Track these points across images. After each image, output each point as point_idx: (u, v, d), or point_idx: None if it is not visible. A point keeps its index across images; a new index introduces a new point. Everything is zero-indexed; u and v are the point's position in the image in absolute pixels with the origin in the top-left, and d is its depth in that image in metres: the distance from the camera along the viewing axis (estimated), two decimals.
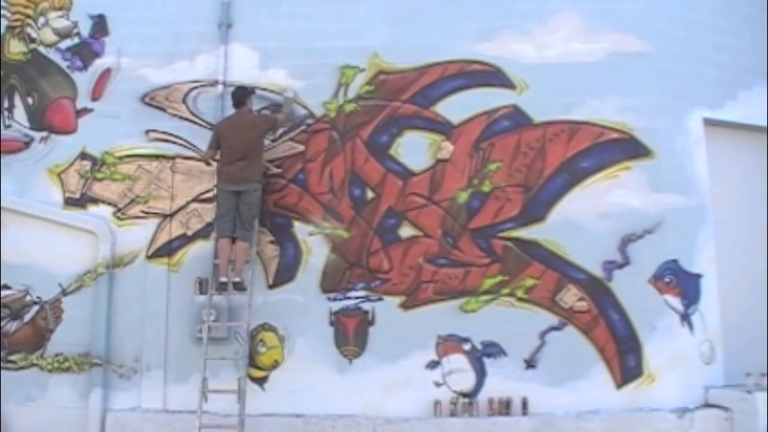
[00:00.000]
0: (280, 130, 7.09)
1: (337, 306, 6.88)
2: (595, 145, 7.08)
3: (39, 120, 7.30)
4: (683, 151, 7.22)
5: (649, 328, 6.85)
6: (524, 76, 7.12)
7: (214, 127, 6.90)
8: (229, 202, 6.64)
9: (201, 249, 6.94)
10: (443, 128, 7.09)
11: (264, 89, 7.15)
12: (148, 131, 7.19)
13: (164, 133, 7.18)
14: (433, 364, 6.79)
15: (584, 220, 6.95)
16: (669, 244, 7.01)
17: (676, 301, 6.97)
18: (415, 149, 7.07)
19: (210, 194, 7.02)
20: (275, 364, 6.81)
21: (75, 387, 6.78)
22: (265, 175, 6.91)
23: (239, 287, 6.61)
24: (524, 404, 6.68)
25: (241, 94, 6.83)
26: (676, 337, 6.91)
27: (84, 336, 6.81)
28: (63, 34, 7.41)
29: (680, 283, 6.99)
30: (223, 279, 6.60)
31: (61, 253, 6.93)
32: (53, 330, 6.89)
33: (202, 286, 6.88)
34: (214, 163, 6.97)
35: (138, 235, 6.97)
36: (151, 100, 7.23)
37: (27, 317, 6.94)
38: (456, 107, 7.10)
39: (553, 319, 6.84)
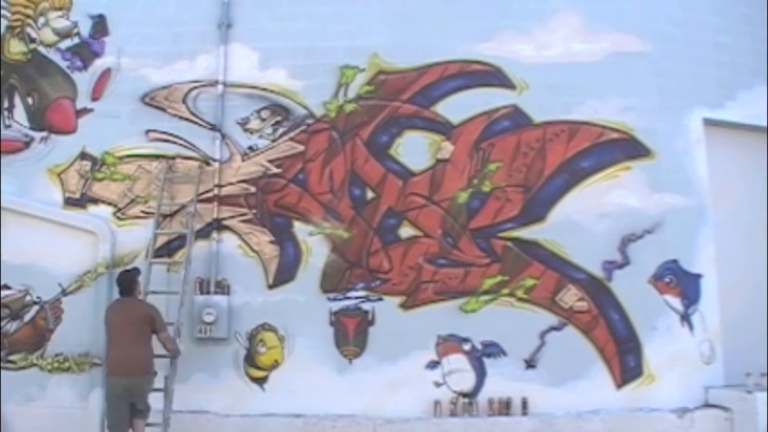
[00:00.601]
0: (281, 129, 7.09)
1: (337, 306, 6.88)
2: (595, 145, 7.09)
3: (39, 120, 7.30)
4: (683, 151, 7.23)
5: (649, 328, 6.86)
6: (524, 76, 7.12)
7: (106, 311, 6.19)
8: (121, 402, 5.84)
9: (201, 249, 6.94)
10: (443, 128, 7.09)
11: (264, 89, 7.16)
12: (148, 131, 7.19)
13: (164, 133, 7.18)
14: (433, 364, 6.79)
15: (584, 220, 6.95)
16: (669, 244, 7.02)
17: (676, 301, 6.97)
18: (415, 149, 7.07)
19: (210, 194, 7.01)
20: (275, 364, 6.81)
21: (75, 387, 6.78)
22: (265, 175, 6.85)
23: None
24: (524, 404, 6.68)
25: (129, 280, 6.13)
26: (676, 337, 6.91)
27: (84, 336, 6.80)
28: (63, 34, 7.41)
29: (680, 283, 6.99)
30: None
31: (61, 253, 6.92)
32: (53, 330, 6.89)
33: (202, 286, 6.88)
34: (215, 163, 6.98)
35: (138, 235, 6.97)
36: (151, 100, 7.23)
37: (27, 317, 6.93)
38: (456, 107, 7.10)
39: (553, 319, 6.84)
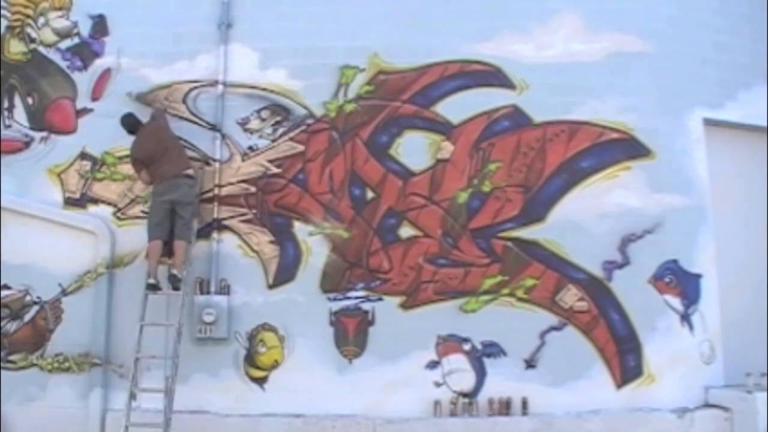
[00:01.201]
0: (281, 129, 7.10)
1: (337, 306, 6.88)
2: (595, 145, 7.09)
3: (39, 120, 7.30)
4: (683, 151, 7.23)
5: (649, 328, 6.86)
6: (524, 76, 7.12)
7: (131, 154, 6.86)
8: (163, 208, 6.61)
9: (201, 249, 6.94)
10: (443, 128, 7.09)
11: (264, 89, 7.16)
12: None
13: None
14: (433, 364, 6.79)
15: (584, 220, 6.95)
16: (669, 244, 7.02)
17: (676, 301, 6.97)
18: (415, 149, 7.07)
19: (210, 194, 7.02)
20: (275, 364, 6.81)
21: (75, 387, 6.77)
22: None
23: (175, 281, 6.53)
24: (524, 404, 6.68)
25: (131, 120, 6.90)
26: (676, 337, 6.91)
27: (84, 336, 6.80)
28: (63, 34, 7.40)
29: (680, 283, 6.99)
30: (152, 281, 6.51)
31: (61, 253, 6.92)
32: (53, 330, 6.89)
33: (202, 286, 6.88)
34: (215, 163, 6.99)
35: (138, 235, 6.95)
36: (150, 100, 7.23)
37: (27, 317, 6.93)
38: (456, 107, 7.10)
39: (553, 319, 6.84)
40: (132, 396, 6.16)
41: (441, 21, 7.22)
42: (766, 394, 6.52)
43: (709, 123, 7.34)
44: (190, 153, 7.09)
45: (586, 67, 7.16)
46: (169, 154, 6.69)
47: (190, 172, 6.74)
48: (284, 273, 6.93)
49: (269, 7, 7.30)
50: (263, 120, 7.15)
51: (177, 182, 6.63)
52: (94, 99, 7.28)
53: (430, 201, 7.02)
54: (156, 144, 6.70)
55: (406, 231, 6.98)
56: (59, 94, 7.32)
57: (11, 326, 6.92)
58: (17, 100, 7.35)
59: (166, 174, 6.62)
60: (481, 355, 6.81)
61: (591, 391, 6.70)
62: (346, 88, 7.15)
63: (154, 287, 6.53)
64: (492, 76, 7.15)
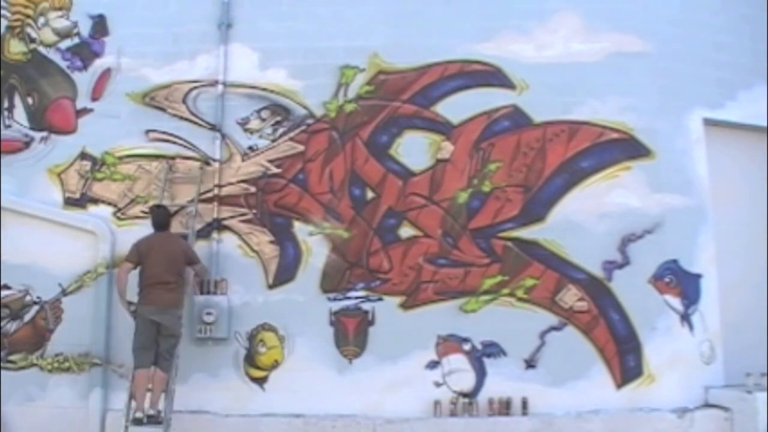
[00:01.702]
0: (281, 129, 7.09)
1: (337, 306, 6.88)
2: (595, 145, 7.09)
3: (39, 120, 7.30)
4: (683, 151, 7.23)
5: (649, 328, 6.86)
6: (524, 76, 7.12)
7: (136, 245, 6.42)
8: (149, 331, 6.22)
9: (201, 249, 6.93)
10: (443, 128, 7.09)
11: (264, 89, 7.16)
12: (148, 131, 7.19)
13: (164, 133, 7.18)
14: (433, 364, 6.79)
15: (584, 220, 6.95)
16: (669, 244, 7.02)
17: (676, 301, 6.97)
18: (415, 149, 7.07)
19: (210, 194, 7.02)
20: (275, 364, 6.81)
21: (75, 387, 6.77)
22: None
23: (154, 420, 6.03)
24: (524, 404, 6.68)
25: (165, 215, 6.56)
26: (676, 337, 6.91)
27: (84, 336, 6.80)
28: (63, 34, 7.41)
29: (680, 283, 6.99)
30: (139, 414, 6.00)
31: (61, 253, 6.92)
32: (53, 330, 6.89)
33: (202, 286, 6.88)
34: (215, 163, 6.99)
35: (138, 235, 6.92)
36: (151, 100, 7.23)
37: (27, 317, 6.93)
38: (456, 107, 7.10)
39: (553, 319, 6.84)
40: (132, 396, 6.15)
41: (441, 21, 7.22)
42: (766, 394, 6.51)
43: (709, 123, 7.34)
44: (190, 153, 7.10)
45: (586, 67, 7.16)
46: (169, 279, 6.28)
47: (180, 312, 6.36)
48: (284, 273, 6.93)
49: (269, 7, 7.31)
50: (263, 120, 7.15)
51: (165, 311, 6.25)
52: (94, 99, 7.28)
53: (430, 201, 7.02)
54: (165, 258, 6.31)
55: (406, 231, 6.98)
56: (59, 94, 7.32)
57: (11, 326, 6.92)
58: (17, 100, 7.35)
59: (158, 299, 6.22)
60: (481, 355, 6.81)
61: (591, 391, 6.70)
62: (346, 88, 7.16)
63: (140, 421, 5.99)
64: (492, 76, 7.15)
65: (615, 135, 7.10)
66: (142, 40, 7.26)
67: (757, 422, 6.43)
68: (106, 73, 7.31)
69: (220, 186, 7.05)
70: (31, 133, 7.28)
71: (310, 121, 7.14)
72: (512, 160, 7.05)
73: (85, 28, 7.40)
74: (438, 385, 6.77)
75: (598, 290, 6.89)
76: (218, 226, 6.99)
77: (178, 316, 6.35)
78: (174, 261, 6.35)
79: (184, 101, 7.21)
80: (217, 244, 6.96)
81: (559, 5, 7.27)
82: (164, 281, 6.26)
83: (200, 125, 7.17)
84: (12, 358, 6.87)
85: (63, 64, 7.35)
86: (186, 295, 6.54)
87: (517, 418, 6.63)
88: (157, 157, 7.13)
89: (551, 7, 7.27)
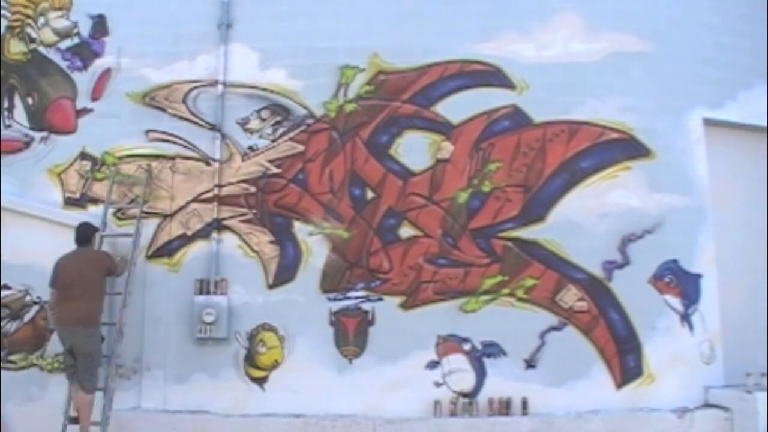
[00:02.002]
0: (281, 129, 7.09)
1: (337, 306, 6.88)
2: (595, 145, 7.09)
3: (39, 120, 7.30)
4: (683, 151, 7.23)
5: (649, 328, 6.86)
6: (524, 76, 7.12)
7: (54, 265, 6.30)
8: (66, 350, 6.19)
9: (201, 249, 6.94)
10: (443, 128, 7.09)
11: (264, 89, 7.16)
12: (148, 131, 7.19)
13: (164, 133, 7.18)
14: (433, 364, 6.79)
15: (584, 220, 6.95)
16: (669, 244, 7.02)
17: (676, 301, 6.97)
18: (415, 149, 7.07)
19: (210, 194, 7.02)
20: (275, 364, 6.81)
21: None
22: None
23: None
24: (524, 404, 6.68)
25: (85, 231, 6.47)
26: (676, 337, 6.91)
27: None
28: (63, 34, 7.40)
29: (680, 283, 6.99)
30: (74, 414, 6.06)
31: (61, 253, 6.88)
32: (53, 330, 6.87)
33: (202, 286, 6.88)
34: (215, 163, 6.99)
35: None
36: (151, 100, 7.23)
37: (27, 317, 6.93)
38: (456, 107, 7.10)
39: (553, 319, 6.84)
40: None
41: (441, 21, 7.22)
42: (766, 394, 6.51)
43: (709, 123, 7.34)
44: (189, 153, 7.10)
45: (586, 67, 7.16)
46: (83, 292, 6.12)
47: (91, 331, 6.19)
48: (284, 273, 6.93)
49: (269, 7, 7.30)
50: (263, 120, 7.15)
51: (73, 330, 6.14)
52: (94, 99, 7.28)
53: (430, 201, 7.02)
54: (76, 274, 6.17)
55: (406, 231, 6.98)
56: (59, 94, 7.32)
57: (11, 326, 6.92)
58: (17, 100, 7.35)
59: (66, 318, 6.13)
60: (481, 355, 6.81)
61: (591, 391, 6.70)
62: (346, 88, 7.15)
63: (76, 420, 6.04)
64: (492, 76, 7.15)
65: (615, 135, 7.11)
66: (142, 40, 7.25)
67: (757, 422, 6.43)
68: (106, 73, 7.31)
69: (220, 186, 7.04)
70: (31, 133, 7.28)
71: (310, 121, 7.14)
72: (512, 160, 7.05)
73: (85, 28, 7.39)
74: (438, 385, 6.77)
75: (598, 290, 6.89)
76: (218, 226, 6.99)
77: (87, 335, 6.16)
78: (84, 276, 6.17)
79: (184, 101, 7.21)
80: (217, 244, 6.96)
81: (559, 5, 7.27)
82: (71, 297, 6.10)
83: (200, 125, 7.17)
84: (12, 358, 6.86)
85: (63, 64, 7.35)
86: (101, 311, 6.31)
87: (517, 418, 6.63)
88: (157, 157, 7.13)
89: (551, 7, 7.27)
